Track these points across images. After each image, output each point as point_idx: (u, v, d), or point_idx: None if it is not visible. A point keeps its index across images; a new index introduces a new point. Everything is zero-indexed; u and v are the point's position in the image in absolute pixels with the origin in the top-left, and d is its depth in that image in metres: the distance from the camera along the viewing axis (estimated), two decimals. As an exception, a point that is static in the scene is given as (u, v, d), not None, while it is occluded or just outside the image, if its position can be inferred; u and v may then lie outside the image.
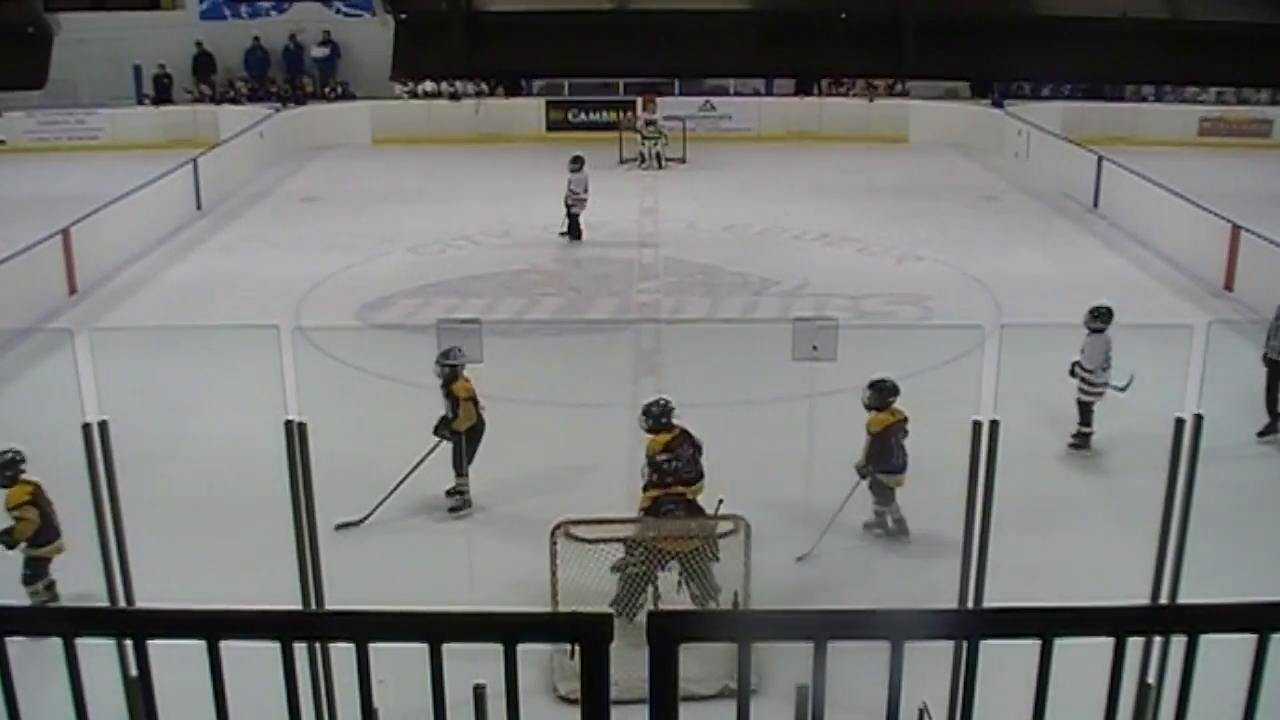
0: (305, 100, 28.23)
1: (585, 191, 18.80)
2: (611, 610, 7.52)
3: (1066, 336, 12.78)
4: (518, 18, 4.85)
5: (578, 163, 18.81)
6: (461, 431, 9.96)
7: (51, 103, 24.78)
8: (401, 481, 9.79)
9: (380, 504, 9.71)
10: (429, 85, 27.09)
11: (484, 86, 27.25)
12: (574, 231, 18.85)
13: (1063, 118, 25.12)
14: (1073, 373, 11.09)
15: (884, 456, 9.49)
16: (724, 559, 8.00)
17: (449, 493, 10.17)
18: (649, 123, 25.17)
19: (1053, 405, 11.78)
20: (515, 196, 21.05)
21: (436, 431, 10.02)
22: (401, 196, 21.91)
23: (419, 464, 9.84)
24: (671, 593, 8.11)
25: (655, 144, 24.58)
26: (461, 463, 10.06)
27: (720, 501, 8.47)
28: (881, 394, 9.50)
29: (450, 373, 9.95)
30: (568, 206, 18.82)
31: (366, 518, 9.75)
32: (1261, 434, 11.09)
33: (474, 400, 9.98)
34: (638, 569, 7.99)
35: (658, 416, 9.13)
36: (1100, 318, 11.03)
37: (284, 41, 28.75)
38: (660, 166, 24.46)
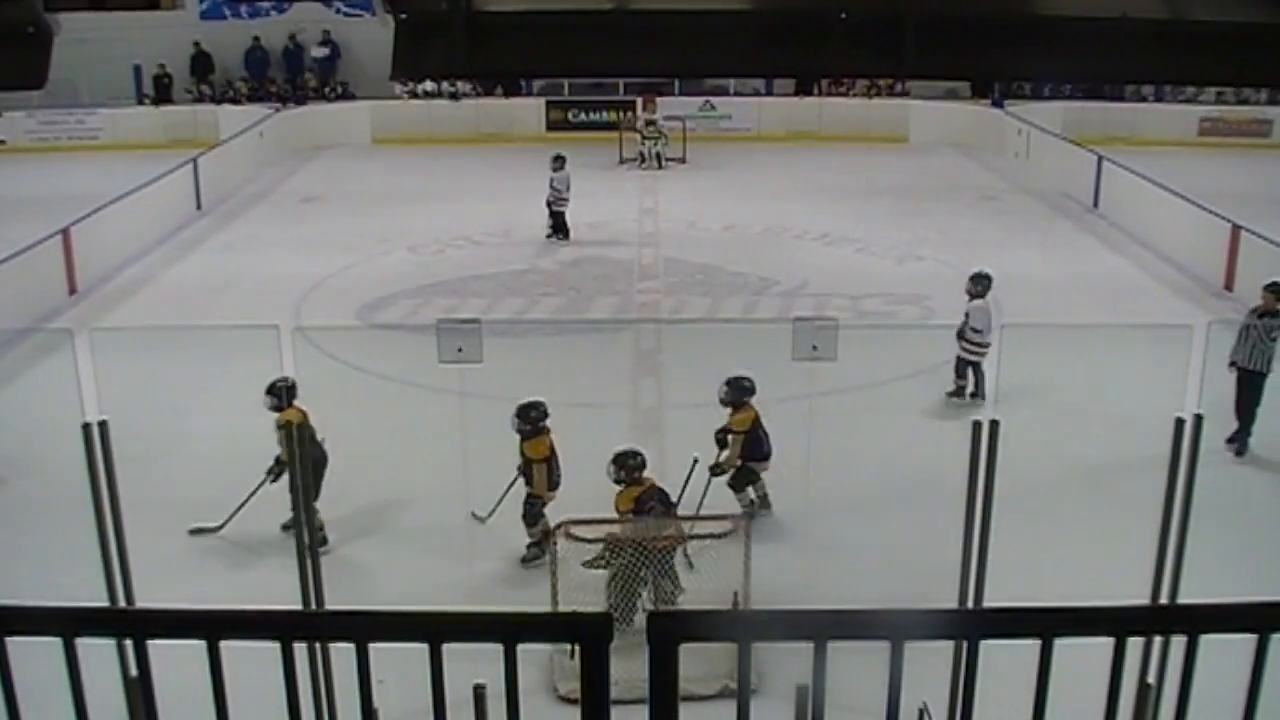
0: (305, 100, 28.24)
1: (567, 190, 18.73)
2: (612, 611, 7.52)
3: (1067, 336, 12.81)
4: (518, 18, 4.85)
5: (559, 161, 18.77)
6: (286, 464, 8.90)
7: (51, 103, 24.82)
8: (244, 502, 9.36)
9: (234, 514, 9.37)
10: (429, 85, 27.11)
11: (478, 87, 27.27)
12: (561, 230, 18.83)
13: (1063, 118, 25.12)
14: (960, 334, 11.87)
15: (756, 447, 9.76)
16: (723, 559, 7.97)
17: (284, 527, 9.16)
18: (649, 123, 25.17)
19: (1053, 404, 11.79)
20: (515, 196, 21.04)
21: (271, 469, 9.28)
22: (401, 196, 21.90)
23: (254, 491, 9.32)
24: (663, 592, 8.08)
25: (655, 144, 24.58)
26: (306, 497, 9.50)
27: (695, 460, 8.65)
28: (740, 391, 9.76)
29: (278, 403, 9.16)
30: (549, 205, 18.78)
31: (223, 525, 9.41)
32: (1230, 440, 10.95)
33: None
34: (619, 568, 7.87)
35: (536, 421, 9.05)
36: (980, 282, 11.98)
37: (284, 41, 28.78)
38: (660, 166, 24.46)
